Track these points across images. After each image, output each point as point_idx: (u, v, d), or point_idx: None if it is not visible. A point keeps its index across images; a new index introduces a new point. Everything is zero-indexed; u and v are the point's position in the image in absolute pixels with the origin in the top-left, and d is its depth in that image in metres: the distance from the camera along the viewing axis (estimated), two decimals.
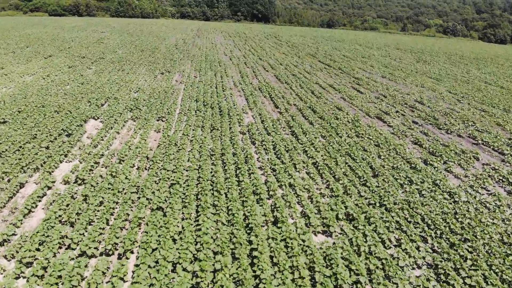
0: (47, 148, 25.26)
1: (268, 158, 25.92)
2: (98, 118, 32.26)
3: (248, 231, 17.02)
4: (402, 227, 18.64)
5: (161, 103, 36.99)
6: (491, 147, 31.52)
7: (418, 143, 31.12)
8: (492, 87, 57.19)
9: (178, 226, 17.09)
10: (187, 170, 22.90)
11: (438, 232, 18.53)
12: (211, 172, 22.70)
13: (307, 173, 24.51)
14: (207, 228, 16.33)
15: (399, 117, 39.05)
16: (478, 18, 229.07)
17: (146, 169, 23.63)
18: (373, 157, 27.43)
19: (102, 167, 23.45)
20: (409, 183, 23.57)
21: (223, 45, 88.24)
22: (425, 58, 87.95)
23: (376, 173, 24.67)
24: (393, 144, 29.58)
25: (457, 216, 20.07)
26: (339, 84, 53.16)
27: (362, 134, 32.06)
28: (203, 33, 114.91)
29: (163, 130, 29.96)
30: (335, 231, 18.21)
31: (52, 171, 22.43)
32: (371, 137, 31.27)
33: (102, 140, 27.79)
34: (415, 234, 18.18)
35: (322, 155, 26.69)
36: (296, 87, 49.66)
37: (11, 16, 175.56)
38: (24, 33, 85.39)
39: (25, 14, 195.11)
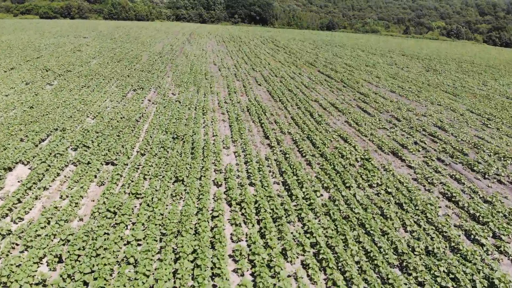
0: None
1: (247, 234, 17.82)
2: (28, 163, 24.07)
3: None
4: None
5: (118, 135, 28.82)
6: None
7: (452, 198, 22.95)
8: None
9: None
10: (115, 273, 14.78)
11: None
12: (154, 273, 14.58)
13: (302, 264, 16.39)
14: None
15: (419, 150, 30.99)
16: (482, 20, 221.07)
17: (62, 261, 15.52)
18: (396, 227, 19.28)
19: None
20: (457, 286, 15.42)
21: (214, 52, 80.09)
22: (434, 65, 79.82)
23: (404, 263, 16.51)
24: (420, 201, 21.48)
25: None
26: (342, 101, 45.08)
27: (377, 183, 23.89)
28: (195, 37, 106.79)
29: (108, 183, 21.75)
30: None
31: None
32: (389, 189, 23.13)
33: (20, 201, 19.63)
34: None
35: (324, 229, 18.57)
36: (292, 107, 41.64)
37: (0, 18, 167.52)
38: None
39: (16, 16, 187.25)
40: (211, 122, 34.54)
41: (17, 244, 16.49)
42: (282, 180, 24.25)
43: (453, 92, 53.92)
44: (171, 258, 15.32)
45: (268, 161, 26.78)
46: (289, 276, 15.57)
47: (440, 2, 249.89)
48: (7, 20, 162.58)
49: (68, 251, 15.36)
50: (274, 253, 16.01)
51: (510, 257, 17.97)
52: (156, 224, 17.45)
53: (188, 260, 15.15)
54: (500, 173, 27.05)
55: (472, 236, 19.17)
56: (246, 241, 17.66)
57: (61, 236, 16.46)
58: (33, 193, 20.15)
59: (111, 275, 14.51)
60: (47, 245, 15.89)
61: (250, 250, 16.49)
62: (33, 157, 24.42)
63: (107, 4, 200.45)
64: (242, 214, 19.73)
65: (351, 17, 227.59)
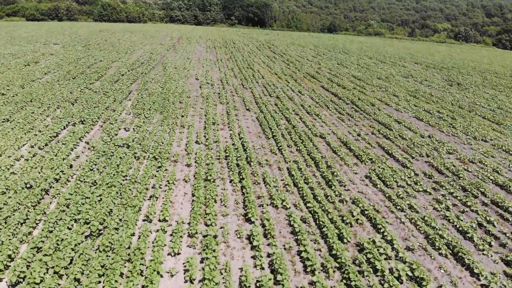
0: None
1: None
2: None
3: None
4: None
5: None
6: None
7: None
8: None
9: None
10: None
11: None
12: None
13: None
14: None
15: (490, 244, 18.67)
16: (490, 22, 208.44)
17: None
18: None
19: None
20: None
21: (200, 61, 67.68)
22: (455, 77, 67.63)
23: None
24: None
25: None
26: (356, 137, 32.98)
27: None
28: (183, 43, 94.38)
29: None
30: None
31: None
32: None
33: None
34: None
35: None
36: (289, 148, 29.74)
37: None
38: None
39: (1, 19, 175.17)
40: (166, 185, 22.25)
41: None
42: None
43: (493, 119, 41.67)
44: None
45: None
46: None
47: (445, 3, 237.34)
48: None
49: None
50: None
51: None
52: None
53: None
54: None
55: None
56: None
57: None
58: None
59: None
60: None
61: None
62: None
63: (97, 5, 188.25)
64: None
65: (353, 18, 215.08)
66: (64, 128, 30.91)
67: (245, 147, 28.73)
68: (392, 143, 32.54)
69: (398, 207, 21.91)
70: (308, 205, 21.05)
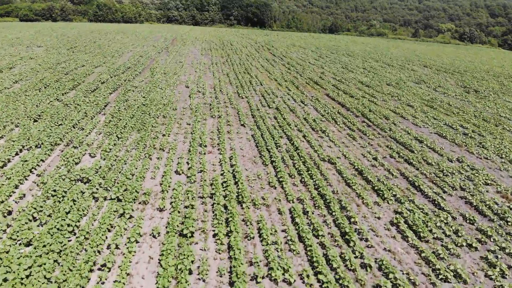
0: None
1: None
2: None
3: None
4: None
5: None
6: None
7: None
8: None
9: None
10: None
11: None
12: None
13: None
14: None
15: None
16: (494, 22, 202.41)
17: None
18: None
19: None
20: None
21: (193, 65, 61.62)
22: (469, 82, 61.62)
23: None
24: None
25: None
26: (372, 163, 27.09)
27: None
28: (177, 44, 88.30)
29: None
30: None
31: None
32: None
33: None
34: None
35: None
36: (291, 178, 23.83)
37: None
38: None
39: None
40: (126, 243, 16.27)
41: None
42: None
43: None
44: None
45: None
46: None
47: (448, 3, 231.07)
48: None
49: None
50: None
51: None
52: None
53: None
54: None
55: None
56: None
57: None
58: None
59: None
60: None
61: None
62: None
63: (92, 5, 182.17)
64: None
65: (355, 18, 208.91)
66: (17, 154, 24.89)
67: (236, 179, 22.72)
68: (417, 170, 26.53)
69: (440, 276, 15.87)
70: (320, 276, 15.01)
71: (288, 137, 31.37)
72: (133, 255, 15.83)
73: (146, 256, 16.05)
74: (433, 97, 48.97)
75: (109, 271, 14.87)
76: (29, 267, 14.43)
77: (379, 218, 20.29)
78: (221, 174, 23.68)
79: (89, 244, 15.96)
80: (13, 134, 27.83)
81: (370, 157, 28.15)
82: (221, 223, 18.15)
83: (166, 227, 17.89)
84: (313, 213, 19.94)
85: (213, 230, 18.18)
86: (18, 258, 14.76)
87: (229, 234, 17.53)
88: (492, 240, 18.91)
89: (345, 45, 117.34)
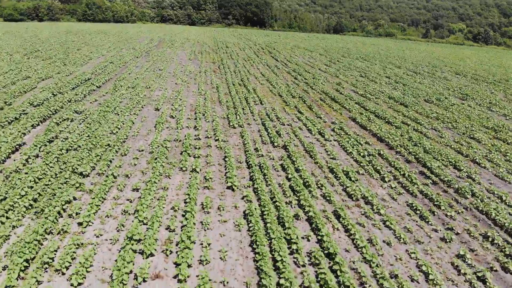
0: None
1: None
2: None
3: None
4: None
5: None
6: None
7: None
8: None
9: None
10: None
11: None
12: None
13: None
14: None
15: None
16: (507, 22, 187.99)
17: None
18: None
19: None
20: None
21: (176, 74, 47.54)
22: None
23: None
24: None
25: None
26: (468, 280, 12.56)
27: None
28: (163, 47, 74.11)
29: None
30: None
31: None
32: None
33: None
34: None
35: None
36: None
37: None
38: None
39: None
40: None
41: None
42: None
43: None
44: None
45: None
46: None
47: (458, 2, 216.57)
48: None
49: None
50: None
51: None
52: None
53: None
54: None
55: None
56: None
57: None
58: None
59: None
60: None
61: None
62: None
63: (81, 4, 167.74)
64: None
65: (360, 18, 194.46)
66: None
67: None
68: None
69: None
70: None
71: (308, 218, 17.14)
72: None
73: None
74: (499, 123, 34.75)
75: None
76: None
77: None
78: None
79: None
80: None
81: (469, 272, 13.89)
82: None
83: None
84: None
85: None
86: None
87: None
88: None
89: (355, 46, 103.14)
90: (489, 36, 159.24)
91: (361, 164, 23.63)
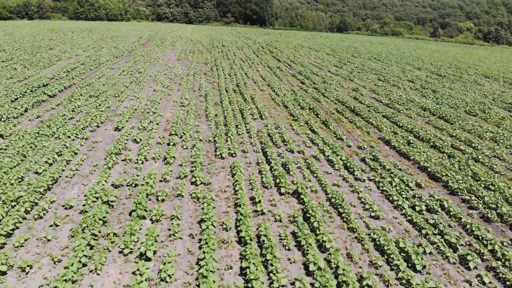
0: None
1: None
2: None
3: None
4: None
5: None
6: None
7: None
8: None
9: None
10: None
11: None
12: None
13: None
14: None
15: None
16: None
17: None
18: None
19: None
20: None
21: (157, 79, 38.54)
22: None
23: None
24: None
25: None
26: None
27: None
28: (150, 45, 64.82)
29: None
30: None
31: None
32: None
33: None
34: None
35: None
36: None
37: None
38: None
39: None
40: None
41: None
42: None
43: None
44: None
45: None
46: None
47: (464, 1, 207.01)
48: None
49: None
50: None
51: None
52: None
53: None
54: None
55: None
56: None
57: None
58: None
59: None
60: None
61: None
62: None
63: (73, 1, 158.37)
64: None
65: (364, 16, 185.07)
66: None
67: None
68: None
69: None
70: None
71: None
72: None
73: None
74: None
75: None
76: None
77: None
78: None
79: None
80: None
81: None
82: None
83: None
84: None
85: None
86: None
87: None
88: None
89: (362, 45, 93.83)
90: (500, 35, 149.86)
91: (421, 228, 14.41)
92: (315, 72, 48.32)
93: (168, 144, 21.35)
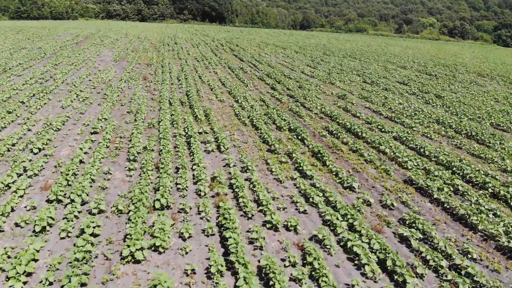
0: None
1: None
2: None
3: None
4: None
5: None
6: None
7: None
8: None
9: None
10: None
11: None
12: None
13: None
14: None
15: None
16: (479, 16, 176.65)
17: None
18: None
19: None
20: None
21: (74, 89, 27.16)
22: None
23: None
24: None
25: None
26: None
27: None
28: (84, 45, 52.89)
29: None
30: None
31: None
32: None
33: None
34: None
35: None
36: None
37: None
38: None
39: None
40: None
41: None
42: None
43: None
44: None
45: None
46: None
47: None
48: None
49: None
50: None
51: None
52: None
53: None
54: None
55: None
56: None
57: None
58: None
59: None
60: None
61: None
62: None
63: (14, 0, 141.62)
64: None
65: (326, 13, 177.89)
66: None
67: None
68: None
69: None
70: None
71: None
72: None
73: None
74: None
75: None
76: None
77: None
78: None
79: None
80: None
81: None
82: None
83: None
84: None
85: None
86: None
87: None
88: None
89: (329, 43, 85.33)
90: (465, 30, 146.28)
91: None
92: (286, 74, 38.40)
93: (33, 231, 10.56)
